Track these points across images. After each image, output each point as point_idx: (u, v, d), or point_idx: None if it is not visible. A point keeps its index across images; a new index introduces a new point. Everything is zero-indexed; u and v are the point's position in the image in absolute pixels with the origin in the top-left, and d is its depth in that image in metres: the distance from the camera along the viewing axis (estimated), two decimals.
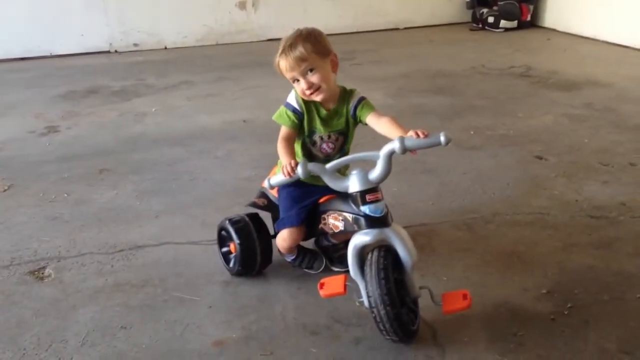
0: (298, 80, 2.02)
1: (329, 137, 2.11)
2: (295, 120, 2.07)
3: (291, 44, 1.99)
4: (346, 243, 1.95)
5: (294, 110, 2.08)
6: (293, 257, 2.27)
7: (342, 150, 2.16)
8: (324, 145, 2.12)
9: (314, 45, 1.99)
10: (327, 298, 1.98)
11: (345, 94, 2.11)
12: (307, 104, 2.08)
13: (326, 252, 2.34)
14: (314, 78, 2.00)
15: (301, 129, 2.10)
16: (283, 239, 2.14)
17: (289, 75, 2.02)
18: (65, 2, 6.19)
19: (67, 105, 4.58)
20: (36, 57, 6.15)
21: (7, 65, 5.99)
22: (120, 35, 6.44)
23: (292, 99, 2.09)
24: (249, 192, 2.55)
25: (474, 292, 1.97)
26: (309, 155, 2.13)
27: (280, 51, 2.02)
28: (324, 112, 2.09)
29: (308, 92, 2.02)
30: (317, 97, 2.03)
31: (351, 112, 2.08)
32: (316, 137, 2.12)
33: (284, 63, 2.00)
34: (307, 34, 2.02)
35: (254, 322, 2.04)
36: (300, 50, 1.97)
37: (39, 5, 6.11)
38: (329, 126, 2.10)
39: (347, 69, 5.37)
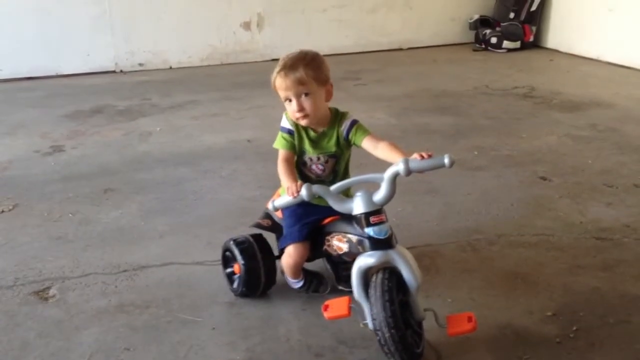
0: (290, 100, 2.04)
1: (319, 158, 2.13)
2: (292, 141, 2.11)
3: (292, 65, 2.02)
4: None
5: (289, 132, 2.11)
6: (300, 284, 2.27)
7: (335, 172, 2.16)
8: (314, 167, 2.14)
9: (314, 72, 2.02)
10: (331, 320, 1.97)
11: (336, 117, 2.12)
12: (297, 125, 2.11)
13: (336, 268, 2.33)
14: (306, 103, 2.03)
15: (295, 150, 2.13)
16: (289, 255, 2.14)
17: (283, 94, 2.05)
18: (71, 22, 6.24)
19: (73, 125, 4.60)
20: (43, 77, 6.19)
21: (14, 84, 6.02)
22: (125, 55, 6.49)
23: (284, 122, 2.13)
24: (253, 212, 2.55)
25: (479, 314, 1.96)
26: (302, 177, 2.14)
27: (279, 68, 2.04)
28: (312, 134, 2.12)
29: (297, 115, 2.04)
30: (303, 122, 2.07)
31: (344, 135, 2.09)
32: (306, 158, 2.14)
33: (281, 81, 2.03)
34: (311, 59, 2.04)
35: (258, 343, 2.03)
36: (300, 73, 2.00)
37: (45, 25, 6.16)
38: (318, 148, 2.12)
39: (351, 89, 5.39)
